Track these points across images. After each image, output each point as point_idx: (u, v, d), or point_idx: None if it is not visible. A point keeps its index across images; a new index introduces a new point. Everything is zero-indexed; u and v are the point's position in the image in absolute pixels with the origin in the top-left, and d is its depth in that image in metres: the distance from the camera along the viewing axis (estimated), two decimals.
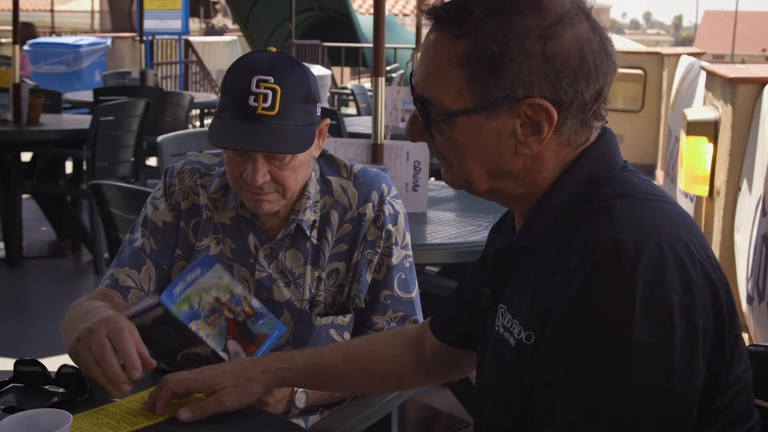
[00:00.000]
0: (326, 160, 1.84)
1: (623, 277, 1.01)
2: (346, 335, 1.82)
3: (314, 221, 1.78)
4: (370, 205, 1.78)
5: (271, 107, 1.61)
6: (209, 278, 1.65)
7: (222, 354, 1.63)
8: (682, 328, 1.01)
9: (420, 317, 1.84)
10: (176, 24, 11.47)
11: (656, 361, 1.00)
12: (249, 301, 1.67)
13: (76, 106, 7.34)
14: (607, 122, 1.19)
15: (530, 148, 1.12)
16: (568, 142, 1.14)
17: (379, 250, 1.79)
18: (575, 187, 1.13)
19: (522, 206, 1.20)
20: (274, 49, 1.70)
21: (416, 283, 1.86)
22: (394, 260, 1.80)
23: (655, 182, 1.20)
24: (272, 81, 1.61)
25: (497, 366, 1.19)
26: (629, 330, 1.00)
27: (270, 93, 1.61)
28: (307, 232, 1.77)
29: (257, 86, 1.61)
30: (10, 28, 6.08)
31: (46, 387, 1.54)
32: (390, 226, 1.79)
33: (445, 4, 1.11)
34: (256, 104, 1.60)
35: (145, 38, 9.16)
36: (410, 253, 1.85)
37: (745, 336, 4.02)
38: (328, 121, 1.75)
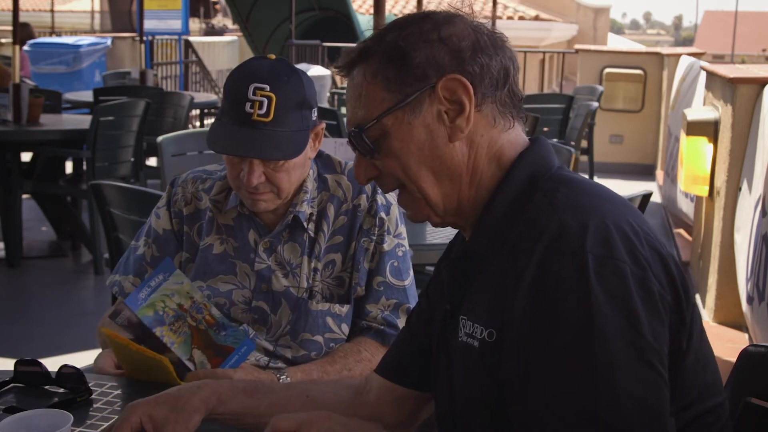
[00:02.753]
0: (323, 160, 1.92)
1: (573, 255, 1.05)
2: (344, 327, 1.86)
3: (311, 214, 1.84)
4: (364, 196, 1.86)
5: (266, 114, 1.68)
6: (171, 284, 1.72)
7: (188, 363, 1.65)
8: (640, 296, 1.05)
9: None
10: (176, 24, 11.48)
11: (621, 331, 1.03)
12: (209, 309, 1.71)
13: (76, 106, 7.33)
14: (527, 118, 1.25)
15: (462, 130, 1.17)
16: (493, 123, 1.19)
17: (374, 238, 1.85)
18: (516, 188, 1.18)
19: (471, 218, 1.23)
20: (273, 56, 1.77)
21: (411, 273, 1.90)
22: (386, 247, 1.85)
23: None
24: (268, 89, 1.69)
25: (468, 375, 1.20)
26: (589, 304, 1.03)
27: (266, 100, 1.68)
28: (305, 224, 1.83)
29: (254, 93, 1.68)
30: (10, 28, 6.08)
31: (47, 387, 1.55)
32: (383, 215, 1.85)
33: (354, 50, 1.23)
34: (252, 111, 1.68)
35: (145, 38, 9.17)
36: (404, 243, 1.90)
37: (745, 336, 4.01)
38: (323, 124, 1.83)
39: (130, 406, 1.27)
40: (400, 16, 1.26)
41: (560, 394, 1.04)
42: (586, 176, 7.57)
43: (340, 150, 3.02)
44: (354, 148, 1.22)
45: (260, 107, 1.68)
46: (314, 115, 1.78)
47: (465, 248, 1.24)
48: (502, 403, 1.13)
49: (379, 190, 1.86)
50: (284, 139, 1.70)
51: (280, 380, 1.71)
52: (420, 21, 1.19)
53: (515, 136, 1.22)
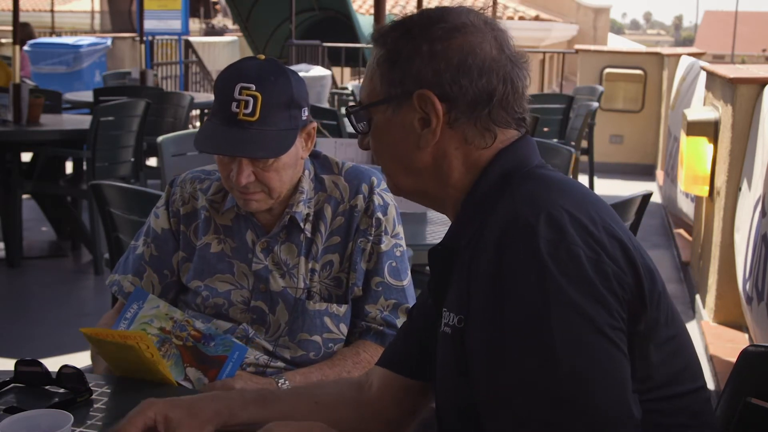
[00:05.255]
0: (320, 161, 1.92)
1: (527, 240, 1.09)
2: (342, 327, 1.86)
3: (308, 215, 1.85)
4: (361, 196, 1.86)
5: (252, 113, 1.69)
6: (147, 310, 1.71)
7: (184, 383, 1.64)
8: (595, 276, 1.07)
9: None
10: (176, 24, 11.49)
11: (580, 308, 1.06)
12: (192, 324, 1.70)
13: (76, 106, 7.33)
14: (527, 132, 1.29)
15: (427, 141, 1.24)
16: (466, 141, 1.24)
17: (371, 239, 1.85)
18: (490, 184, 1.23)
19: (450, 212, 1.30)
20: (263, 57, 1.77)
21: (408, 273, 1.91)
22: (384, 247, 1.86)
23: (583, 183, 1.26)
24: (254, 88, 1.69)
25: (443, 364, 1.23)
26: (544, 283, 1.07)
27: (251, 100, 1.69)
28: (301, 225, 1.83)
29: (240, 93, 1.69)
30: (10, 28, 6.08)
31: (47, 387, 1.55)
32: (380, 215, 1.86)
33: (380, 29, 1.30)
34: (237, 110, 1.69)
35: (145, 38, 9.17)
36: (402, 243, 1.91)
37: (745, 336, 4.01)
38: (315, 124, 1.82)
39: (147, 401, 1.29)
40: (416, 12, 1.31)
41: (524, 375, 1.07)
42: (586, 177, 7.60)
43: (340, 150, 3.02)
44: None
45: (246, 107, 1.68)
46: (304, 114, 1.77)
47: (442, 243, 1.29)
48: (469, 393, 1.15)
49: (376, 191, 1.87)
50: (270, 138, 1.70)
51: (279, 384, 1.71)
52: (427, 26, 1.24)
53: (498, 143, 1.25)
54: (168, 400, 1.31)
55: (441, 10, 1.27)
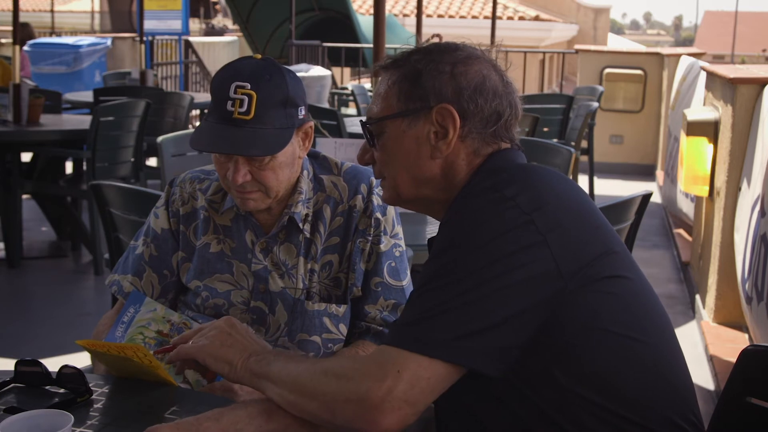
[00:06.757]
0: (319, 161, 1.92)
1: (475, 194, 1.29)
2: (342, 327, 1.86)
3: (307, 215, 1.85)
4: (360, 197, 1.86)
5: (247, 112, 1.69)
6: (144, 314, 1.70)
7: (183, 386, 1.64)
8: (513, 235, 1.23)
9: None
10: (176, 24, 11.49)
11: (484, 249, 1.23)
12: (190, 326, 1.70)
13: (76, 106, 7.32)
14: (520, 148, 1.46)
15: (441, 151, 1.40)
16: (475, 153, 1.41)
17: (370, 239, 1.85)
18: (478, 179, 1.38)
19: (444, 213, 1.41)
20: (259, 56, 1.78)
21: (408, 273, 1.91)
22: (383, 247, 1.86)
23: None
24: (249, 87, 1.69)
25: None
26: (470, 226, 1.26)
27: (246, 98, 1.69)
28: (300, 225, 1.83)
29: (235, 92, 1.69)
30: (10, 28, 6.08)
31: (47, 387, 1.54)
32: (379, 215, 1.86)
33: (390, 58, 1.47)
34: (233, 109, 1.69)
35: (145, 38, 9.17)
36: (401, 243, 1.91)
37: (745, 336, 4.02)
38: (312, 123, 1.82)
39: (150, 429, 1.28)
40: (425, 43, 1.47)
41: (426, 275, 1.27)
42: (586, 177, 7.60)
43: (340, 150, 3.02)
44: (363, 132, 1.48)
45: (241, 105, 1.68)
46: (301, 113, 1.77)
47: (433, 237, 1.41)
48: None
49: (375, 191, 1.87)
50: (265, 136, 1.70)
51: None
52: (445, 52, 1.41)
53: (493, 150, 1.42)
54: (173, 424, 1.30)
55: (453, 43, 1.45)
